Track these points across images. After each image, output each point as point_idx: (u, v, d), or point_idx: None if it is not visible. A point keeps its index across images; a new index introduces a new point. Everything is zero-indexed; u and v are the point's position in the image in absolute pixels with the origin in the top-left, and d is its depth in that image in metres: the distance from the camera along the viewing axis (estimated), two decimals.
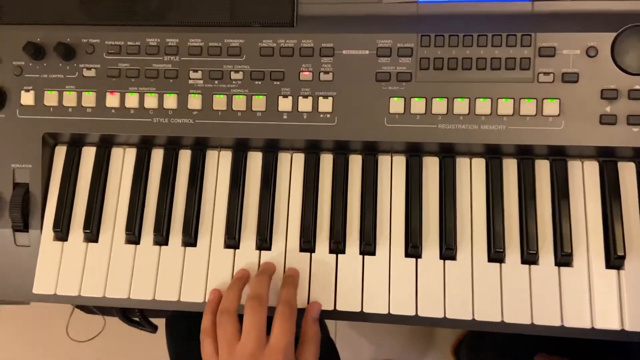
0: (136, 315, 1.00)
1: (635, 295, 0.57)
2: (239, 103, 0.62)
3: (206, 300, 0.61)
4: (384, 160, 0.63)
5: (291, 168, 0.64)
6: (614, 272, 0.57)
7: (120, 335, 1.24)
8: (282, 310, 0.55)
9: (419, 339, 1.29)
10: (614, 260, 0.57)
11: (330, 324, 1.17)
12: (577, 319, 0.57)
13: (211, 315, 0.58)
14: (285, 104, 0.62)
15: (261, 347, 0.54)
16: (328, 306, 0.60)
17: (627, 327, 0.56)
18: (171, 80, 0.63)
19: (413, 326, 1.28)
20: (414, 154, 0.62)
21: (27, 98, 0.64)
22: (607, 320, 0.57)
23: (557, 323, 0.57)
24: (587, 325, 0.57)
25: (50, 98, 0.64)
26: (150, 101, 0.63)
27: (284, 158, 0.64)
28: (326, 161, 0.64)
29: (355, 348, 1.29)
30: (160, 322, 0.99)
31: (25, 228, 0.64)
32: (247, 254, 0.62)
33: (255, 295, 0.56)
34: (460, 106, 0.59)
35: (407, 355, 1.29)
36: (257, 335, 0.54)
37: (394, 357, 1.29)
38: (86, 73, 0.64)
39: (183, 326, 0.77)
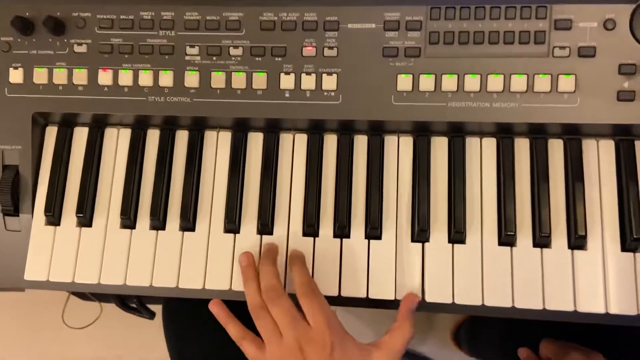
0: (133, 302, 0.98)
1: None
2: (239, 80, 0.59)
3: (205, 287, 0.59)
4: (390, 141, 0.60)
5: (293, 149, 0.61)
6: (630, 255, 0.56)
7: (117, 321, 1.23)
8: (301, 292, 0.54)
9: (418, 324, 1.27)
10: (631, 242, 0.55)
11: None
12: (591, 304, 0.55)
13: (232, 322, 0.56)
14: (287, 82, 0.59)
15: (304, 329, 0.52)
16: (332, 292, 0.58)
17: None
18: (167, 57, 0.60)
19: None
20: (421, 134, 0.60)
21: (16, 76, 0.61)
22: (622, 304, 0.55)
23: (570, 308, 0.55)
24: (602, 311, 0.55)
25: (40, 75, 0.61)
26: (145, 78, 0.60)
27: (286, 139, 0.62)
28: (330, 142, 0.61)
29: (354, 333, 1.27)
30: (158, 309, 0.97)
31: (15, 212, 0.62)
32: (248, 239, 0.60)
33: (268, 288, 0.55)
34: (472, 83, 0.57)
35: None
36: (290, 320, 0.52)
37: None
38: (77, 49, 0.61)
39: (180, 312, 0.76)
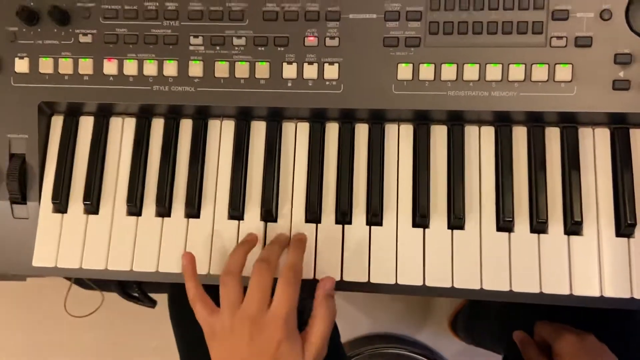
0: (135, 290, 0.99)
1: None
2: (242, 70, 0.60)
3: (210, 273, 0.60)
4: (391, 129, 0.61)
5: (296, 137, 0.62)
6: (624, 240, 0.57)
7: (119, 310, 1.23)
8: (285, 274, 0.54)
9: (416, 312, 1.30)
10: (625, 228, 0.56)
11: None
12: (587, 288, 0.57)
13: (193, 281, 0.56)
14: (289, 71, 0.60)
15: (263, 310, 0.52)
16: (335, 277, 0.59)
17: (637, 295, 0.56)
18: (171, 46, 0.61)
19: (410, 300, 1.29)
20: (421, 122, 0.61)
21: (22, 65, 0.62)
22: (617, 288, 0.56)
23: (566, 292, 0.57)
24: (596, 294, 0.56)
25: (46, 65, 0.62)
26: (150, 68, 0.61)
27: (288, 127, 0.63)
28: (332, 130, 0.62)
29: (351, 321, 1.29)
30: (159, 297, 0.99)
31: (23, 200, 0.63)
32: (252, 225, 0.61)
33: (264, 258, 0.55)
34: (471, 72, 0.58)
35: (404, 328, 1.29)
36: (260, 298, 0.53)
37: (391, 331, 1.30)
38: (82, 39, 0.62)
39: (187, 301, 0.77)
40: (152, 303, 1.00)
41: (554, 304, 0.58)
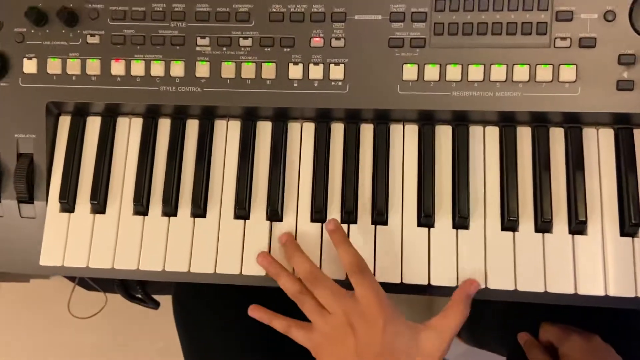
0: (138, 292, 0.99)
1: None
2: (248, 71, 0.61)
3: (216, 272, 0.60)
4: (396, 129, 0.62)
5: (301, 138, 0.63)
6: (628, 239, 0.57)
7: (122, 311, 1.23)
8: (351, 269, 0.55)
9: (419, 313, 1.30)
10: (629, 227, 0.57)
11: None
12: (591, 287, 0.57)
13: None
14: (295, 72, 0.60)
15: (349, 302, 0.53)
16: (340, 276, 0.59)
17: None
18: (178, 47, 0.62)
19: (412, 301, 1.29)
20: (426, 122, 0.61)
21: (30, 66, 0.62)
22: (621, 287, 0.56)
23: (571, 291, 0.57)
24: (601, 293, 0.57)
25: (54, 66, 0.62)
26: (157, 69, 0.61)
27: (294, 127, 0.63)
28: (337, 130, 0.63)
29: None
30: (162, 299, 0.99)
31: (30, 199, 0.63)
32: (258, 225, 0.61)
33: (306, 274, 0.56)
34: (475, 73, 0.58)
35: None
36: (338, 297, 0.54)
37: None
38: (90, 40, 0.62)
39: (191, 299, 0.77)
40: (156, 304, 1.00)
41: (559, 304, 0.58)
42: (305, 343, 0.56)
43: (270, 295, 0.72)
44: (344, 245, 0.57)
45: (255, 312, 0.59)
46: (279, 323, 0.58)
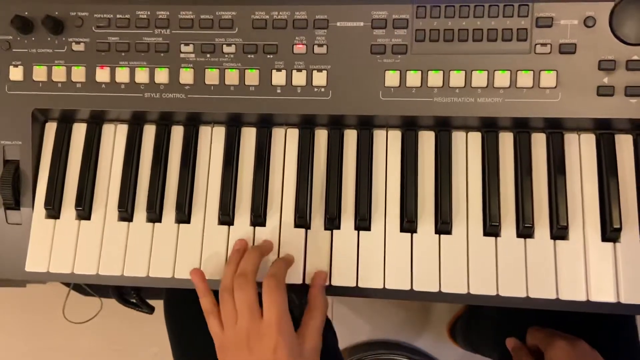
0: (132, 297, 0.99)
1: (631, 267, 0.56)
2: (232, 77, 0.61)
3: (206, 278, 0.60)
4: (379, 135, 0.62)
5: (285, 143, 0.63)
6: (609, 245, 0.57)
7: (117, 316, 1.24)
8: (266, 283, 0.56)
9: (415, 319, 1.30)
10: (610, 233, 0.57)
11: (328, 304, 1.17)
12: (573, 292, 0.57)
13: (208, 295, 0.59)
14: (278, 78, 0.61)
15: (255, 322, 0.54)
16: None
17: (623, 300, 0.56)
18: (162, 54, 0.62)
19: (409, 307, 1.29)
20: (409, 128, 0.62)
21: (16, 73, 0.63)
22: (603, 292, 0.57)
23: (553, 296, 0.57)
24: (583, 298, 0.57)
25: (39, 73, 0.63)
26: (141, 76, 0.62)
27: (278, 133, 0.63)
28: (321, 136, 0.63)
29: (351, 328, 1.29)
30: (157, 303, 0.99)
31: (16, 206, 0.63)
32: (242, 230, 0.61)
33: (241, 273, 0.56)
34: (457, 79, 0.59)
35: (403, 335, 1.29)
36: (249, 311, 0.54)
37: (390, 337, 1.30)
38: (75, 47, 0.63)
39: (182, 305, 0.77)
40: (150, 309, 1.01)
41: (543, 309, 0.58)
42: (214, 336, 0.58)
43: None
44: (280, 263, 0.58)
45: (195, 276, 0.59)
46: (205, 302, 0.58)
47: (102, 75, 0.62)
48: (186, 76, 0.62)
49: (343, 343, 1.15)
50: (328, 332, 0.88)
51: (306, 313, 0.58)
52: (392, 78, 0.59)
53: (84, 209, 0.62)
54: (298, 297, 0.67)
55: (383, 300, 1.28)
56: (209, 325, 0.58)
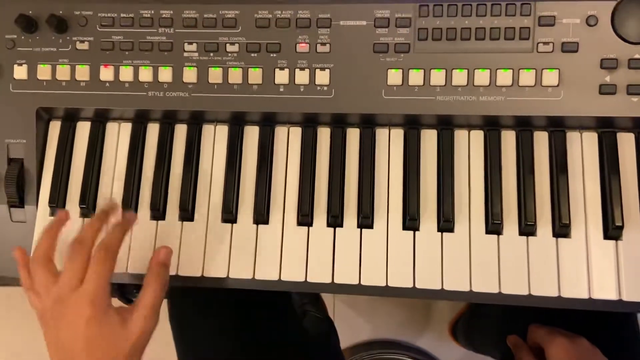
0: (134, 295, 1.00)
1: (633, 265, 0.57)
2: (235, 76, 0.61)
3: (203, 275, 0.61)
4: (381, 133, 0.62)
5: (288, 142, 0.63)
6: (611, 242, 0.57)
7: None
8: (96, 253, 0.53)
9: (417, 318, 1.30)
10: (612, 230, 0.57)
11: (329, 303, 1.18)
12: (575, 290, 0.57)
13: (23, 269, 0.57)
14: (281, 77, 0.61)
15: (72, 291, 0.52)
16: (326, 279, 0.60)
17: (625, 297, 0.56)
18: (166, 53, 0.62)
19: (410, 306, 1.29)
20: (412, 126, 0.62)
21: (20, 72, 0.63)
22: (605, 290, 0.57)
23: (555, 294, 0.57)
24: (585, 296, 0.57)
25: (44, 72, 0.63)
26: (145, 74, 0.62)
27: (281, 132, 0.64)
28: (323, 135, 0.63)
29: (353, 327, 1.29)
30: None
31: (20, 204, 0.64)
32: (245, 228, 0.62)
33: (77, 239, 0.54)
34: (459, 77, 0.59)
35: (404, 334, 1.30)
36: (69, 278, 0.52)
37: (391, 336, 1.30)
38: (79, 46, 0.63)
39: (185, 304, 0.78)
40: None
41: (544, 307, 0.58)
42: (35, 310, 0.55)
43: (262, 297, 0.73)
44: (115, 228, 0.56)
45: (17, 252, 0.58)
46: (23, 276, 0.56)
47: (106, 74, 0.63)
48: (190, 75, 0.62)
49: (344, 342, 1.15)
50: (329, 331, 0.89)
51: (142, 288, 0.56)
52: (394, 77, 0.60)
53: (88, 207, 0.63)
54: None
55: (384, 300, 1.28)
56: (30, 300, 0.56)
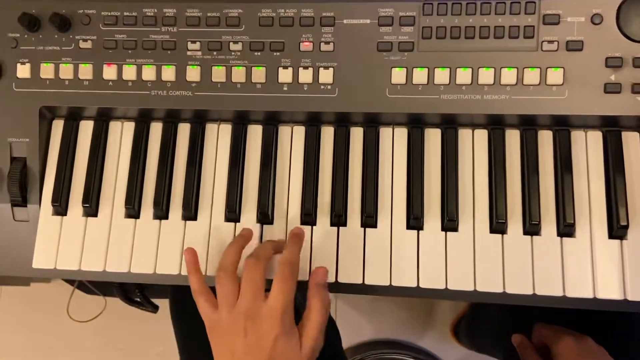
0: (137, 295, 1.00)
1: (638, 265, 0.56)
2: (239, 74, 0.61)
3: (207, 274, 0.61)
4: (385, 132, 0.62)
5: (292, 141, 0.63)
6: (616, 242, 0.57)
7: (122, 315, 1.24)
8: (280, 269, 0.54)
9: (419, 318, 1.30)
10: (617, 230, 0.57)
11: (331, 303, 1.18)
12: (579, 289, 0.57)
13: (196, 275, 0.57)
14: (285, 76, 0.61)
15: (258, 304, 0.53)
16: (330, 279, 0.59)
17: (630, 297, 0.56)
18: (169, 52, 0.62)
19: (412, 306, 1.29)
20: (416, 125, 0.62)
21: (23, 71, 0.63)
22: (609, 289, 0.56)
23: (559, 293, 0.57)
24: (589, 295, 0.57)
25: (47, 70, 0.63)
26: (148, 73, 0.62)
27: (284, 131, 0.64)
28: (327, 134, 0.63)
29: (355, 327, 1.29)
30: (161, 303, 0.99)
31: (23, 203, 0.64)
32: (248, 227, 0.61)
33: (253, 254, 0.55)
34: (463, 76, 0.59)
35: (406, 334, 1.29)
36: (252, 292, 0.53)
37: (393, 336, 1.30)
38: (82, 45, 0.63)
39: (188, 304, 0.77)
40: (154, 308, 1.01)
41: (549, 306, 0.58)
42: (204, 318, 0.56)
43: None
44: (292, 247, 0.57)
45: (188, 254, 0.58)
46: (196, 281, 0.57)
47: (109, 72, 0.62)
48: (193, 74, 0.62)
49: (346, 342, 1.15)
50: (331, 331, 0.89)
51: (306, 310, 0.56)
52: (398, 75, 0.60)
53: (91, 206, 0.62)
54: (302, 296, 0.67)
55: (386, 300, 1.28)
56: (198, 306, 0.56)
